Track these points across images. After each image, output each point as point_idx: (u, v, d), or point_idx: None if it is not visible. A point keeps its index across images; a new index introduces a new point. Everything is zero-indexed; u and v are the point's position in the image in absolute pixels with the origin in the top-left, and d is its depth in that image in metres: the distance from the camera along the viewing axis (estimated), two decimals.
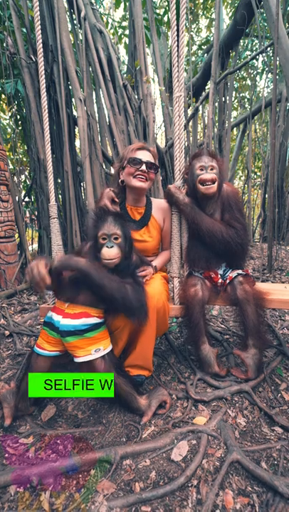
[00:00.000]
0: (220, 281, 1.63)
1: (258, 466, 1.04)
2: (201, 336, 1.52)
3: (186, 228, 1.64)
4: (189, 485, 1.00)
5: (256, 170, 9.40)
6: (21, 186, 5.58)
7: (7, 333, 2.28)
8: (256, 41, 6.23)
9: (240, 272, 1.57)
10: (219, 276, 1.63)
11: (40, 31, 1.66)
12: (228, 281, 1.59)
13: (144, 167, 1.57)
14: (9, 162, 4.76)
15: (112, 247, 1.26)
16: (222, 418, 1.29)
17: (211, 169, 1.51)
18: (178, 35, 1.48)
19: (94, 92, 4.57)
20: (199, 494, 0.97)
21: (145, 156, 1.59)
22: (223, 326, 2.35)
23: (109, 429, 1.28)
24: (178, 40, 1.49)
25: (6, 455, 1.15)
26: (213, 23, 5.46)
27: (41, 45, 1.65)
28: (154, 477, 1.04)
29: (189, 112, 5.18)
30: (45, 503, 0.96)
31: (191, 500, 0.95)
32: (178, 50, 1.50)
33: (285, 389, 1.51)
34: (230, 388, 1.45)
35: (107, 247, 1.26)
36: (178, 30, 1.49)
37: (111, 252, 1.25)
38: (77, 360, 1.28)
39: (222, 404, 1.39)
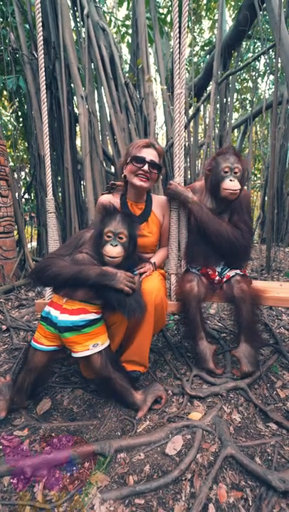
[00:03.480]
0: (217, 278, 1.63)
1: (252, 461, 1.04)
2: (199, 332, 1.53)
3: (184, 225, 1.64)
4: (183, 478, 1.01)
5: (256, 172, 9.43)
6: (21, 183, 5.58)
7: (4, 327, 2.28)
8: (258, 43, 6.26)
9: (238, 271, 1.57)
10: (217, 273, 1.64)
11: (41, 26, 1.65)
12: (225, 279, 1.59)
13: (146, 167, 1.53)
14: (9, 159, 4.76)
15: (116, 245, 1.26)
16: (217, 414, 1.29)
17: (236, 173, 1.48)
18: (180, 32, 1.48)
19: (95, 90, 4.57)
20: (193, 488, 0.97)
21: (150, 154, 1.55)
22: (220, 324, 2.36)
23: (104, 423, 1.28)
24: (180, 37, 1.49)
25: (1, 447, 1.15)
26: (216, 24, 5.48)
27: (42, 39, 1.65)
28: (148, 470, 1.04)
29: (190, 112, 5.20)
30: (39, 495, 0.96)
31: (184, 494, 0.96)
32: (180, 47, 1.50)
33: (280, 386, 1.51)
34: (226, 385, 1.45)
35: (112, 245, 1.25)
36: (180, 26, 1.49)
37: (114, 251, 1.25)
38: (75, 355, 1.27)
39: (217, 401, 1.39)
